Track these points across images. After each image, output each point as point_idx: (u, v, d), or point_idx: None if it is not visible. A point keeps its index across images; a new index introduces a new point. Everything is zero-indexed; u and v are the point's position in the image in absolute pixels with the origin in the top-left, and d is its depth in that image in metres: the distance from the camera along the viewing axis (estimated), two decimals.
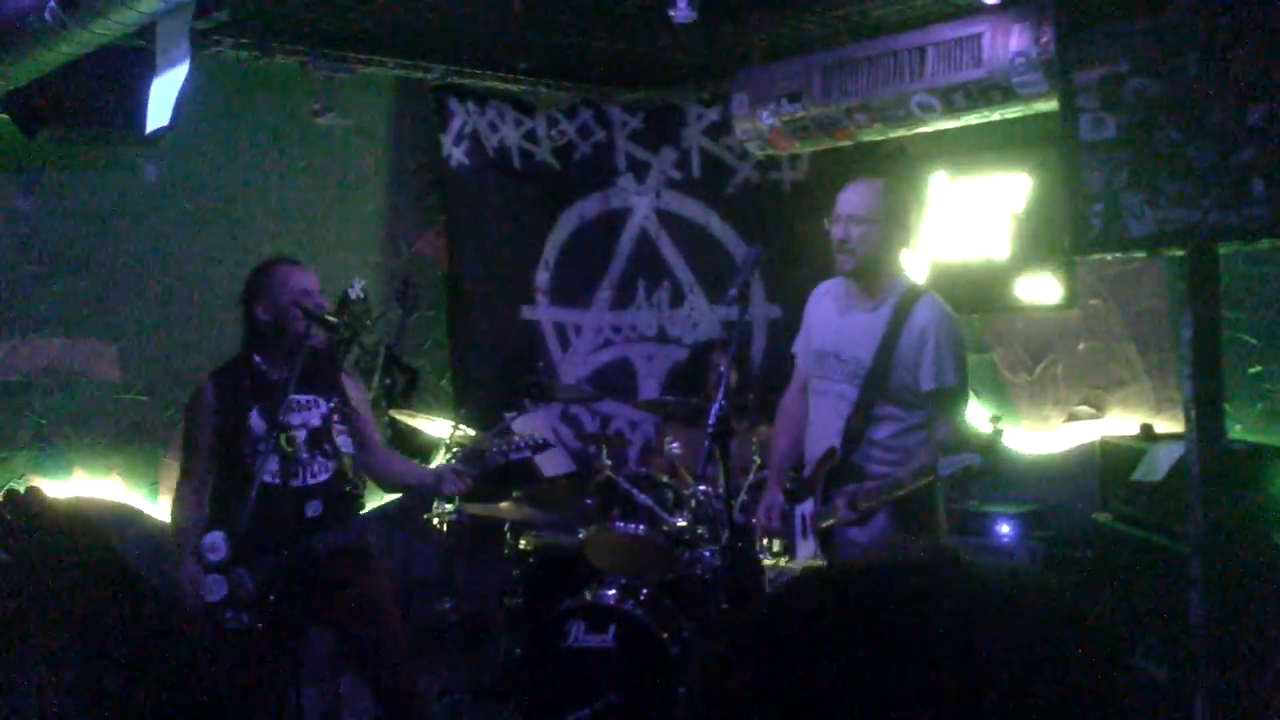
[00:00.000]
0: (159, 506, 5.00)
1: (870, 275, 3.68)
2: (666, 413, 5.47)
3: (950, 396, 3.60)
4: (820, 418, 3.78)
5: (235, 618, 3.44)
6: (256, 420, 3.63)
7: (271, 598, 3.48)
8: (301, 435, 3.66)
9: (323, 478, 3.68)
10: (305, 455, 3.66)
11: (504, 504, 4.76)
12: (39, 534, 4.09)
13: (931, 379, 3.57)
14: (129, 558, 4.63)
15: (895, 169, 5.58)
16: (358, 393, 3.92)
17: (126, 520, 4.85)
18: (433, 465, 4.45)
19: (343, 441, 3.73)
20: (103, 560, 4.34)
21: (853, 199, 3.69)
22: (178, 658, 4.18)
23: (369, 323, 4.23)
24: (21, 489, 4.53)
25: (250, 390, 3.66)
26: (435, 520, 4.59)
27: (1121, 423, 4.99)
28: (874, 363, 3.62)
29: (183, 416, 3.83)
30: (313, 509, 3.64)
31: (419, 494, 4.40)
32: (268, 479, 3.58)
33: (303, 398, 3.70)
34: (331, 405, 3.74)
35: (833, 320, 3.81)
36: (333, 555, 3.64)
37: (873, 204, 3.65)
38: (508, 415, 5.18)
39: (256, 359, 3.71)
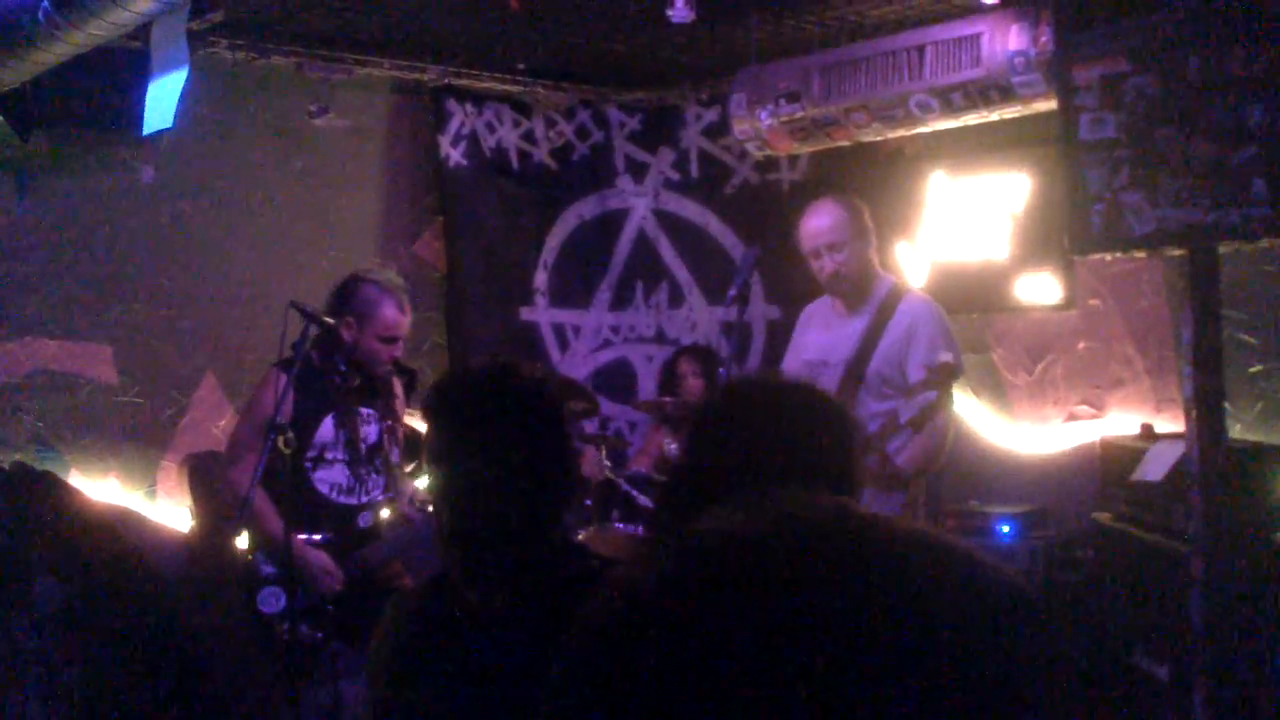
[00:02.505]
0: (157, 509, 4.98)
1: (858, 290, 3.82)
2: (663, 414, 5.47)
3: (947, 372, 3.65)
4: None
5: (294, 629, 3.43)
6: (329, 428, 3.61)
7: (330, 609, 3.49)
8: (360, 450, 3.67)
9: (375, 494, 3.70)
10: (364, 470, 3.66)
11: None
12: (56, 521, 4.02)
13: (923, 363, 3.64)
14: (138, 549, 4.61)
15: (893, 169, 5.57)
16: (400, 393, 3.93)
17: (126, 521, 4.83)
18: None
19: (394, 453, 3.75)
20: (115, 555, 4.31)
21: (823, 227, 3.79)
22: (181, 646, 4.16)
23: None
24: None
25: (321, 395, 3.62)
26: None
27: (1121, 422, 4.98)
28: (853, 358, 3.73)
29: (250, 401, 3.76)
30: (364, 520, 3.66)
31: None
32: (324, 490, 3.59)
33: (364, 410, 3.70)
34: (387, 418, 3.75)
35: (821, 332, 3.96)
36: (382, 567, 3.66)
37: (844, 226, 3.78)
38: None
39: (322, 362, 3.65)
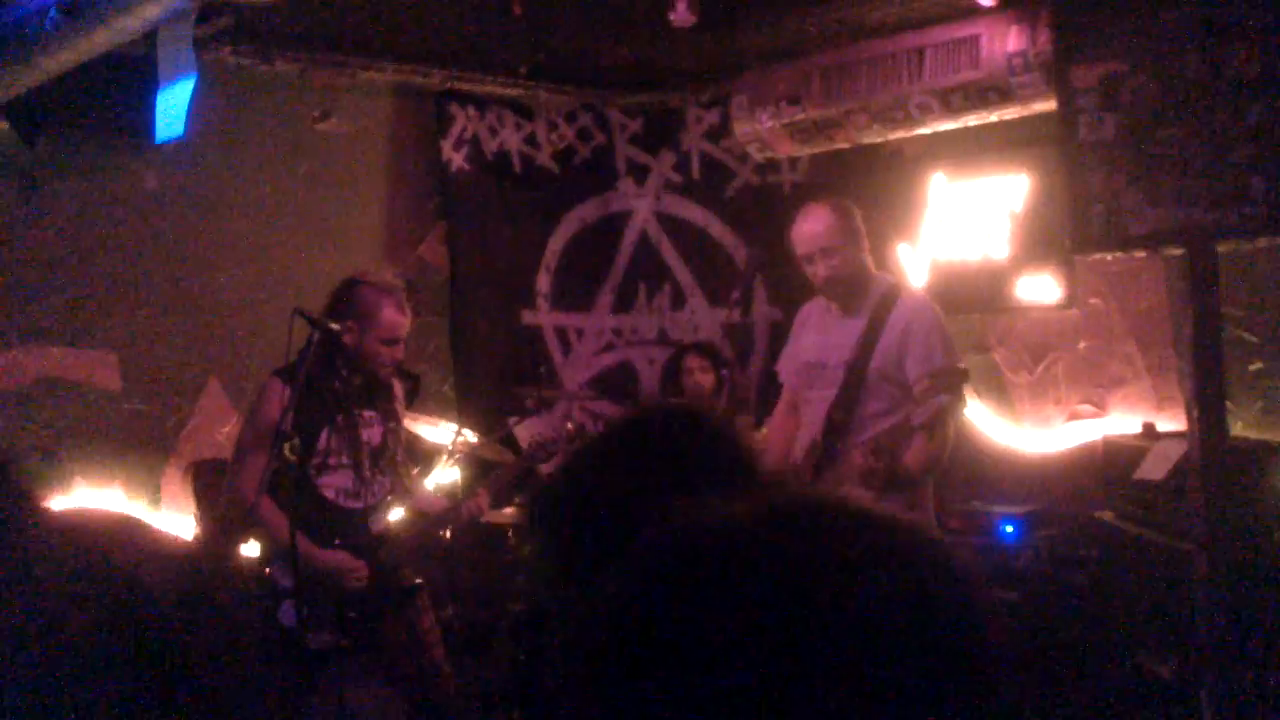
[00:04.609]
0: (161, 516, 4.99)
1: (853, 291, 3.84)
2: None
3: (960, 376, 3.67)
4: (807, 423, 3.87)
5: (317, 638, 3.44)
6: (327, 437, 3.62)
7: (352, 615, 3.50)
8: (363, 453, 3.69)
9: (382, 496, 3.72)
10: (369, 473, 3.67)
11: (507, 509, 4.75)
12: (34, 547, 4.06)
13: (920, 364, 3.66)
14: (128, 569, 4.62)
15: (894, 170, 5.59)
16: (400, 395, 3.94)
17: (130, 530, 4.84)
18: (435, 473, 4.44)
19: (398, 454, 3.78)
20: (100, 575, 4.32)
21: (815, 232, 3.82)
22: (174, 667, 4.17)
23: None
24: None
25: (321, 402, 3.62)
26: None
27: (1123, 421, 5.00)
28: (852, 358, 3.75)
29: (251, 411, 3.78)
30: (376, 523, 3.68)
31: (438, 521, 3.98)
32: (330, 495, 3.60)
33: (365, 413, 3.72)
34: (389, 420, 3.76)
35: (818, 333, 3.96)
36: (399, 567, 3.67)
37: (835, 229, 3.80)
38: (510, 420, 5.20)
39: (321, 368, 3.63)
